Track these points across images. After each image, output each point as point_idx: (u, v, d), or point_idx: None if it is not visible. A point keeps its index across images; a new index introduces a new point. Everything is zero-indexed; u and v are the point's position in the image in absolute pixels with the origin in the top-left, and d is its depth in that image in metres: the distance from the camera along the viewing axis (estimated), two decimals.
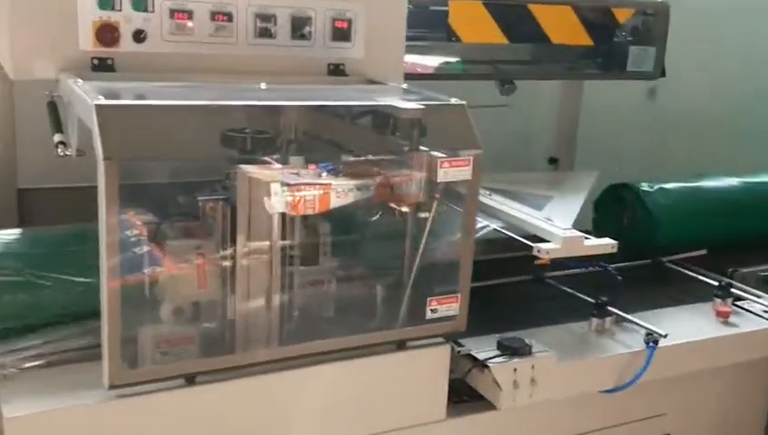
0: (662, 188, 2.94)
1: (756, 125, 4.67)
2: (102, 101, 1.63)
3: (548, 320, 2.42)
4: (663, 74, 3.47)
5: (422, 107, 1.98)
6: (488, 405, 2.18)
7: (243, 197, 1.83)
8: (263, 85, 2.11)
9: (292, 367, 1.91)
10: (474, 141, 1.99)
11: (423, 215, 2.05)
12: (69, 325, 1.94)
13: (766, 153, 4.18)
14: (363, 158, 1.95)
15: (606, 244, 2.22)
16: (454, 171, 1.94)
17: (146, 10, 2.13)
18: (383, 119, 1.99)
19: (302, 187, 1.82)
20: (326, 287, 1.99)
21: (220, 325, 1.87)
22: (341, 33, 2.37)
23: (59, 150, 1.91)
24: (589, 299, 2.48)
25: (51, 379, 1.81)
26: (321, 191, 1.85)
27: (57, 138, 1.93)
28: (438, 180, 1.93)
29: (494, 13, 2.93)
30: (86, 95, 1.71)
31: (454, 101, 2.05)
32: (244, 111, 1.83)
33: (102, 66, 2.10)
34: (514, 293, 2.57)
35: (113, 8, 2.09)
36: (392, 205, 2.03)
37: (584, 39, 3.18)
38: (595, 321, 2.39)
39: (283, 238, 1.91)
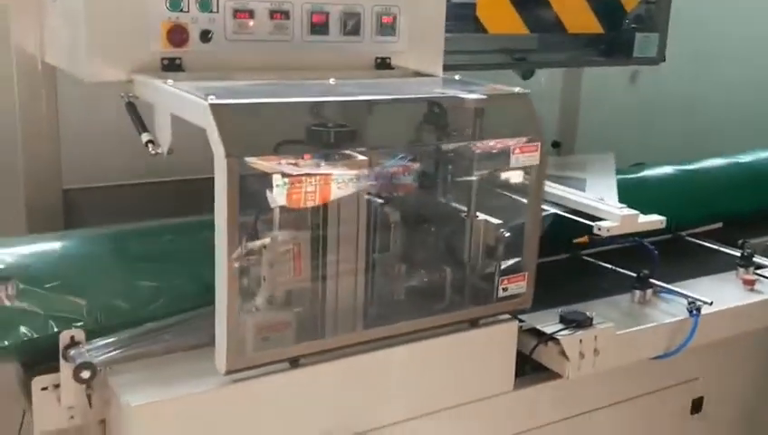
0: None
1: (737, 108, 4.93)
2: (216, 100, 1.71)
3: (591, 294, 2.58)
4: (664, 59, 3.66)
5: (487, 97, 2.10)
6: (549, 376, 2.33)
7: None
8: (331, 81, 2.21)
9: (380, 347, 2.03)
10: (538, 129, 2.12)
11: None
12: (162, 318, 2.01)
13: (749, 133, 4.43)
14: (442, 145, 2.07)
15: (656, 220, 2.38)
16: (524, 157, 2.07)
17: (211, 10, 2.21)
18: (457, 109, 2.10)
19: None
20: (407, 271, 2.10)
21: (315, 310, 1.97)
22: (387, 28, 2.48)
23: (150, 149, 1.99)
24: (628, 273, 2.64)
25: (158, 369, 1.90)
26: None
27: (146, 137, 2.01)
28: (511, 166, 2.06)
29: (517, 3, 3.07)
30: (190, 95, 1.79)
31: (517, 90, 2.18)
32: (346, 106, 1.93)
33: (171, 66, 2.18)
34: (555, 271, 2.70)
35: (181, 9, 2.17)
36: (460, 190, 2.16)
37: (596, 27, 3.34)
38: (638, 293, 2.56)
39: (367, 225, 2.01)
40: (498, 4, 3.03)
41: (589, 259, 2.81)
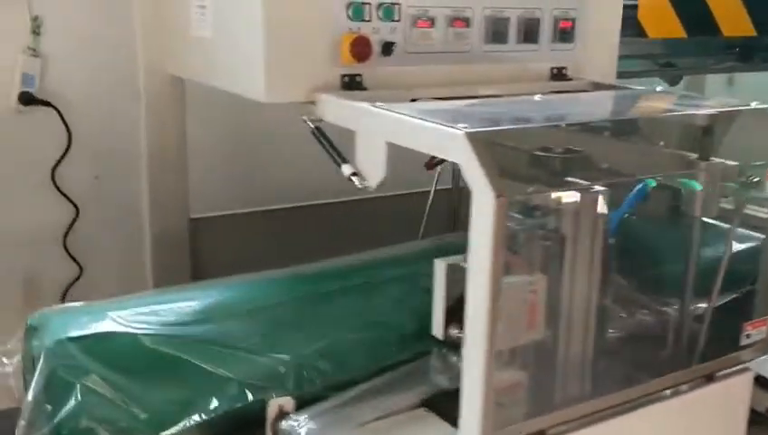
0: None
1: None
2: (470, 128, 1.48)
3: None
4: None
5: (735, 111, 1.89)
6: None
7: (572, 225, 1.71)
8: (537, 97, 1.99)
9: (619, 413, 1.80)
10: None
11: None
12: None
13: None
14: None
15: None
16: None
17: (393, 19, 2.00)
18: (688, 128, 1.89)
19: None
20: (641, 320, 1.89)
21: (554, 370, 1.75)
22: (565, 34, 2.29)
23: (356, 183, 1.77)
24: None
25: None
26: None
27: (348, 169, 1.79)
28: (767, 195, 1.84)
29: (676, 6, 2.87)
30: (430, 122, 1.57)
31: (755, 104, 1.96)
32: (608, 128, 1.72)
33: (352, 84, 1.98)
34: None
35: (363, 19, 1.96)
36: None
37: (750, 30, 3.13)
38: None
39: (606, 268, 1.79)
40: (659, 7, 2.83)
41: None
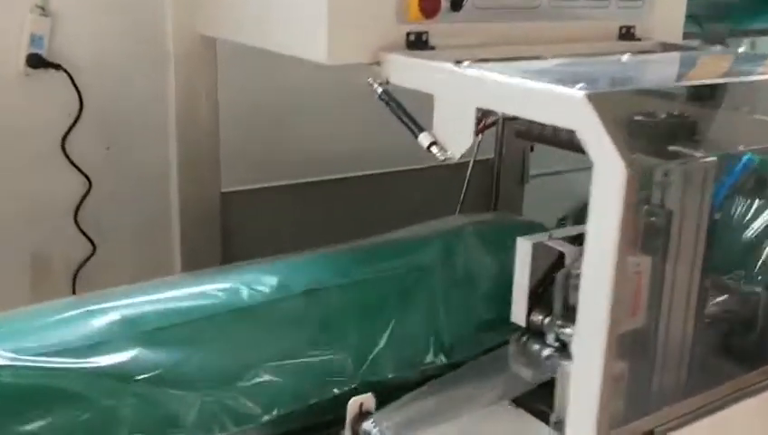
0: None
1: None
2: (590, 90, 1.31)
3: None
4: None
5: None
6: None
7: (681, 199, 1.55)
8: (624, 58, 1.83)
9: (722, 406, 1.65)
10: None
11: None
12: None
13: None
14: None
15: None
16: None
17: None
18: None
19: None
20: (734, 306, 1.74)
21: (659, 361, 1.59)
22: None
23: (436, 153, 1.59)
24: None
25: None
26: None
27: (426, 139, 1.61)
28: None
29: None
30: (537, 82, 1.39)
31: None
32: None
33: (418, 42, 1.80)
34: None
35: None
36: None
37: None
38: None
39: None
40: None
41: None
